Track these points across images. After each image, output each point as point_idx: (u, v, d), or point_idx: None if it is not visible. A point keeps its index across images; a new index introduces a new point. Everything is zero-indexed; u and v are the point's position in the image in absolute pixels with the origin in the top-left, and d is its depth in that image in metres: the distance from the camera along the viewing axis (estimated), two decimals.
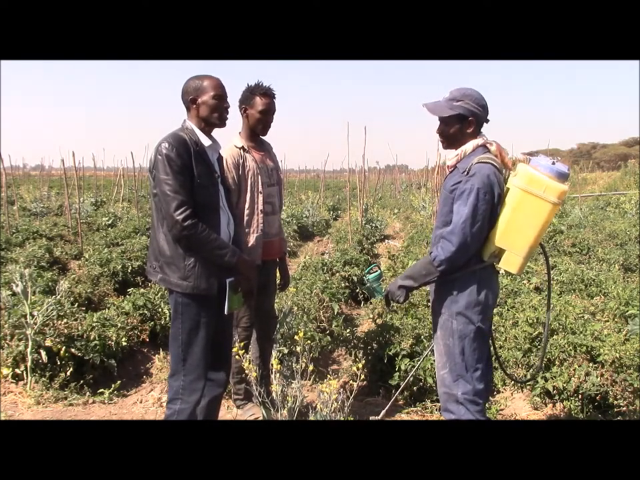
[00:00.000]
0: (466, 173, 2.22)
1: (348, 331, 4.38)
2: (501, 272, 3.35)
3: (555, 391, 3.23)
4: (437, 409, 3.25)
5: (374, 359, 3.62)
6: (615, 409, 3.08)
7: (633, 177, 22.52)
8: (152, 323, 4.50)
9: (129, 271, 6.24)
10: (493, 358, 2.62)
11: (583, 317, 4.01)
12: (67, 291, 4.50)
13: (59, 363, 3.58)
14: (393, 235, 12.03)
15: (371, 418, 2.93)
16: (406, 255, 6.89)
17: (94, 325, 3.90)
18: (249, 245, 2.96)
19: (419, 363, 2.93)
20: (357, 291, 6.04)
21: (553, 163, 2.18)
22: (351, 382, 3.54)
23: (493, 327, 3.70)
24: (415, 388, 3.42)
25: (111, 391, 3.62)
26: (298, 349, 2.72)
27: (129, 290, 5.21)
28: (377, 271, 3.19)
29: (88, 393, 3.57)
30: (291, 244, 9.27)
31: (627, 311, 4.28)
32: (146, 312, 4.52)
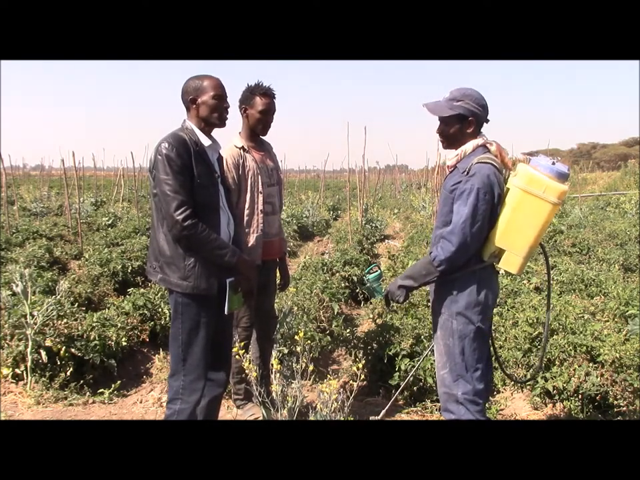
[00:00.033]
0: (466, 173, 2.22)
1: (348, 331, 4.38)
2: (500, 272, 3.35)
3: (555, 391, 3.23)
4: (437, 409, 3.25)
5: (374, 359, 3.62)
6: (615, 409, 3.08)
7: (633, 177, 22.52)
8: (152, 322, 4.50)
9: (129, 271, 6.24)
10: (493, 358, 2.62)
11: (583, 316, 4.01)
12: (67, 290, 4.50)
13: (59, 363, 3.59)
14: (393, 235, 12.04)
15: (371, 418, 2.94)
16: (406, 255, 6.89)
17: (94, 325, 3.90)
18: (249, 245, 2.96)
19: (419, 363, 2.93)
20: (357, 290, 6.04)
21: (553, 163, 2.18)
22: (350, 382, 3.54)
23: (493, 327, 3.70)
24: (415, 388, 3.42)
25: (111, 391, 3.62)
26: (298, 348, 2.72)
27: (129, 290, 5.21)
28: (376, 270, 3.19)
29: (88, 393, 3.57)
30: (291, 244, 9.27)
31: (627, 311, 4.28)
32: (146, 312, 4.52)
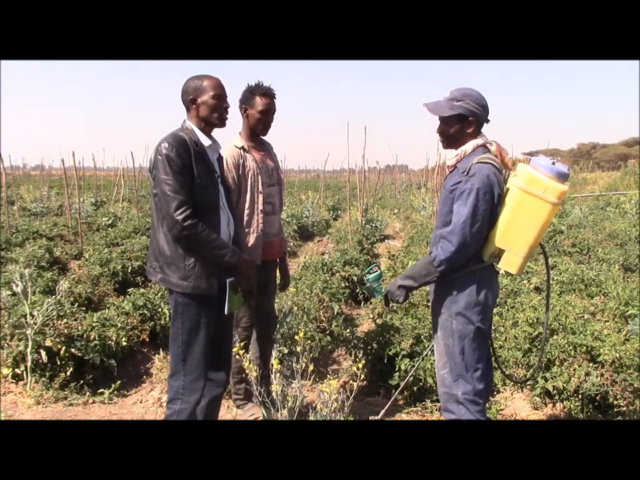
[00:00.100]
0: (466, 173, 2.22)
1: (348, 330, 4.38)
2: (500, 272, 3.35)
3: (555, 391, 3.23)
4: (437, 409, 3.25)
5: (374, 359, 3.62)
6: (615, 409, 3.08)
7: (633, 177, 22.52)
8: (152, 322, 4.50)
9: (129, 271, 6.24)
10: (492, 358, 2.62)
11: (583, 316, 4.00)
12: (67, 290, 4.50)
13: (59, 363, 3.59)
14: (393, 235, 12.04)
15: (371, 418, 2.94)
16: (406, 255, 6.89)
17: (94, 324, 3.90)
18: (249, 245, 2.96)
19: (418, 362, 2.93)
20: (357, 290, 6.04)
21: (553, 163, 2.18)
22: (351, 382, 3.54)
23: (493, 327, 3.71)
24: (415, 388, 3.42)
25: (111, 391, 3.62)
26: (298, 348, 2.72)
27: (129, 290, 5.21)
28: (376, 270, 3.19)
29: (88, 393, 3.57)
30: (291, 244, 9.27)
31: (627, 311, 4.28)
32: (146, 312, 4.52)
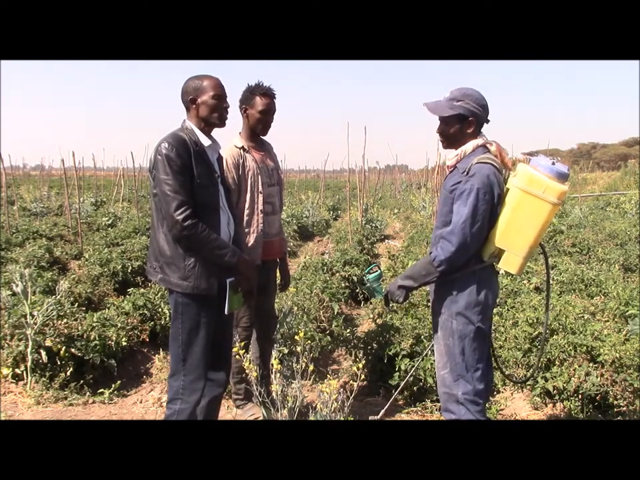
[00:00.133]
0: (466, 173, 2.22)
1: (348, 331, 4.38)
2: (500, 272, 3.35)
3: (555, 391, 3.23)
4: (437, 409, 3.25)
5: (374, 359, 3.62)
6: (615, 409, 3.08)
7: (633, 177, 22.52)
8: (152, 322, 4.50)
9: (129, 271, 6.24)
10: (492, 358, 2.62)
11: (583, 316, 4.01)
12: (67, 290, 4.50)
13: (59, 363, 3.59)
14: (393, 235, 12.04)
15: (370, 418, 2.93)
16: (406, 255, 6.89)
17: (94, 324, 3.90)
18: (249, 245, 2.95)
19: (418, 362, 2.93)
20: (357, 290, 6.04)
21: (553, 163, 2.18)
22: (351, 382, 3.54)
23: (493, 327, 3.71)
24: (415, 388, 3.42)
25: (111, 391, 3.62)
26: (298, 348, 2.72)
27: (129, 290, 5.21)
28: (376, 270, 3.19)
29: (88, 393, 3.57)
30: (291, 244, 9.27)
31: (627, 311, 4.28)
32: (146, 312, 4.52)
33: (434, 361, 2.56)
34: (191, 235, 2.22)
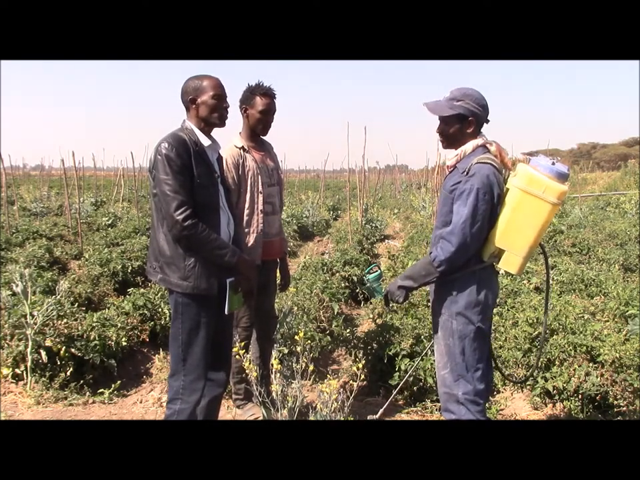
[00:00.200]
0: (465, 173, 2.22)
1: (348, 330, 4.38)
2: (500, 272, 3.35)
3: (555, 391, 3.23)
4: (437, 409, 3.25)
5: (374, 359, 3.62)
6: (615, 409, 3.08)
7: (633, 177, 22.52)
8: (152, 322, 4.50)
9: (129, 271, 6.24)
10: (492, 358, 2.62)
11: (583, 316, 4.01)
12: (67, 290, 4.50)
13: (59, 363, 3.59)
14: (393, 235, 12.04)
15: (369, 417, 2.94)
16: (406, 255, 6.89)
17: (94, 324, 3.90)
18: (249, 244, 2.95)
19: (417, 362, 2.92)
20: (357, 290, 6.04)
21: (553, 163, 2.18)
22: (351, 382, 3.54)
23: (493, 327, 3.70)
24: (415, 388, 3.42)
25: (111, 391, 3.62)
26: (298, 348, 2.72)
27: (129, 290, 5.21)
28: (376, 270, 3.19)
29: (88, 393, 3.57)
30: (291, 244, 9.27)
31: (627, 311, 4.28)
32: (146, 312, 4.52)
33: (434, 361, 2.56)
34: (190, 235, 2.22)
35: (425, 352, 2.99)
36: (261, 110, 2.98)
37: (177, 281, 2.28)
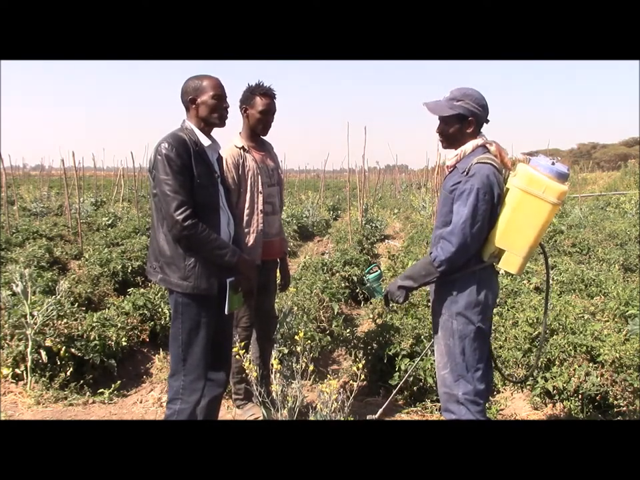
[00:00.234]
0: (465, 173, 2.22)
1: (348, 330, 4.38)
2: (500, 272, 3.35)
3: (555, 391, 3.23)
4: (437, 409, 3.25)
5: (374, 359, 3.62)
6: (615, 409, 3.08)
7: (633, 177, 22.52)
8: (152, 322, 4.50)
9: (129, 271, 6.24)
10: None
11: (583, 316, 4.01)
12: (67, 290, 4.50)
13: (59, 363, 3.59)
14: (393, 235, 12.04)
15: (368, 417, 2.93)
16: (406, 255, 6.89)
17: (94, 324, 3.90)
18: (249, 244, 2.95)
19: (416, 362, 2.92)
20: (357, 290, 6.04)
21: (553, 163, 2.18)
22: (351, 382, 3.54)
23: (493, 327, 3.70)
24: (415, 388, 3.42)
25: (111, 391, 3.62)
26: (298, 348, 2.72)
27: (129, 290, 5.21)
28: (376, 270, 3.19)
29: (88, 393, 3.57)
30: (291, 244, 9.27)
31: (627, 311, 4.28)
32: (146, 312, 4.52)
33: (434, 361, 2.56)
34: (190, 235, 2.22)
35: (424, 352, 2.99)
36: (261, 110, 2.98)
37: (177, 281, 2.28)
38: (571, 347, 3.40)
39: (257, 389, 2.65)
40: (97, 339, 3.75)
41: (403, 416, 3.29)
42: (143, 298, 4.65)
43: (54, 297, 3.86)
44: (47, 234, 9.00)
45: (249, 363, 2.66)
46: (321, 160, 51.15)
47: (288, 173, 36.18)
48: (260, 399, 2.70)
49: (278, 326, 3.56)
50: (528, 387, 3.46)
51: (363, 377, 2.68)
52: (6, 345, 3.65)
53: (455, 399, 2.30)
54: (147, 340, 4.36)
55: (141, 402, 3.57)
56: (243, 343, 2.79)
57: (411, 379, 3.33)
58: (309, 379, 3.48)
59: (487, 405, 2.95)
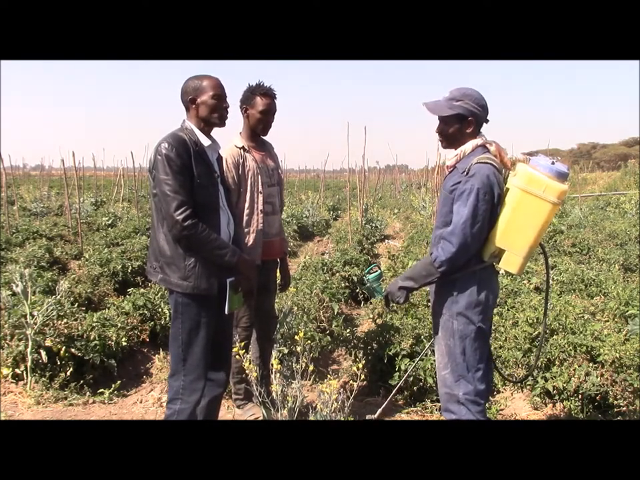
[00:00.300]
0: (465, 173, 2.22)
1: (348, 330, 4.38)
2: (501, 272, 3.35)
3: (555, 391, 3.23)
4: (437, 409, 3.25)
5: (374, 359, 3.62)
6: (615, 409, 3.08)
7: (633, 177, 22.52)
8: (152, 322, 4.50)
9: (129, 271, 6.24)
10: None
11: (583, 316, 4.01)
12: (67, 290, 4.50)
13: (59, 363, 3.59)
14: (393, 235, 12.04)
15: (367, 417, 2.93)
16: (406, 255, 6.89)
17: (94, 324, 3.90)
18: (249, 244, 2.95)
19: (416, 362, 2.92)
20: (357, 290, 6.04)
21: (553, 163, 2.18)
22: (351, 382, 3.54)
23: (493, 327, 3.70)
24: (415, 388, 3.42)
25: (111, 391, 3.62)
26: (298, 348, 2.72)
27: (129, 290, 5.21)
28: (377, 271, 3.19)
29: (88, 393, 3.57)
30: (291, 244, 9.27)
31: (627, 311, 4.28)
32: (146, 312, 4.52)
33: (434, 361, 2.56)
34: (190, 234, 2.22)
35: (424, 352, 2.99)
36: (261, 110, 2.98)
37: (177, 281, 2.28)
38: (570, 347, 3.40)
39: (257, 389, 2.65)
40: (96, 338, 3.75)
41: (402, 416, 3.29)
42: (143, 298, 4.65)
43: (54, 297, 3.86)
44: (47, 234, 9.00)
45: (249, 363, 2.66)
46: (320, 160, 51.17)
47: (288, 172, 36.20)
48: (260, 399, 2.70)
49: (278, 326, 3.56)
50: (528, 387, 3.46)
51: (362, 376, 2.68)
52: (6, 345, 3.65)
53: (456, 399, 2.30)
54: (147, 340, 4.36)
55: (140, 402, 3.57)
56: (242, 343, 2.79)
57: (411, 378, 3.33)
58: (309, 379, 3.48)
59: (487, 404, 2.95)
